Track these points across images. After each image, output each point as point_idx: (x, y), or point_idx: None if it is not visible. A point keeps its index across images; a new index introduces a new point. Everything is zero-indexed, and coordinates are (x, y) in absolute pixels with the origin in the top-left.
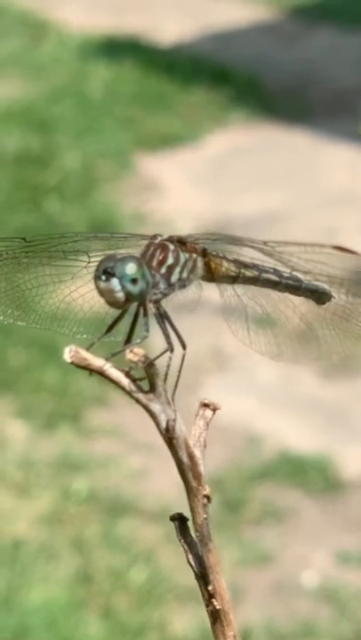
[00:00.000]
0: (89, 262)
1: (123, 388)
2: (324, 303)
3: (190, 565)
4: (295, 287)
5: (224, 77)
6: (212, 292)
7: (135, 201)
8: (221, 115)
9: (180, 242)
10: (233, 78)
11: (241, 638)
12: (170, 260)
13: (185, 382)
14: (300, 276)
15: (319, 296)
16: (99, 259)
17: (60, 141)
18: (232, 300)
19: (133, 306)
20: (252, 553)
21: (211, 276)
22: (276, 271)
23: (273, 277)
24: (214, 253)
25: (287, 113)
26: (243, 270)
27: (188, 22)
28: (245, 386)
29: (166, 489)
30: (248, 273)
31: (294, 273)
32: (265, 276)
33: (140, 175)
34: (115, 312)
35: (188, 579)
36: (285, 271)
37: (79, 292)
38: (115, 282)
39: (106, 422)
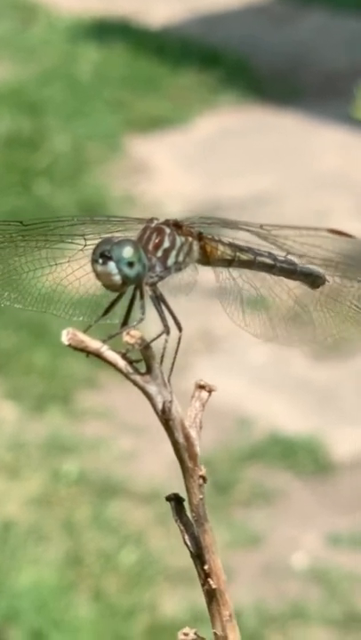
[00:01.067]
0: (85, 245)
1: (119, 370)
2: (318, 287)
3: (186, 545)
4: (290, 271)
5: (214, 60)
6: (202, 274)
7: (125, 183)
8: (211, 97)
9: (176, 225)
10: (223, 60)
11: None
12: (166, 244)
13: (176, 364)
14: (295, 259)
15: (313, 280)
16: (95, 242)
17: (49, 124)
18: (227, 283)
19: (130, 289)
20: (241, 534)
21: (206, 259)
22: (270, 255)
23: (268, 261)
24: (210, 237)
25: (277, 95)
26: (238, 254)
27: (177, 4)
28: (236, 367)
29: (156, 471)
30: (243, 256)
31: (289, 257)
32: (260, 259)
33: (129, 158)
34: (111, 295)
35: (179, 560)
36: (280, 255)
37: (75, 274)
38: (112, 265)
39: (96, 404)
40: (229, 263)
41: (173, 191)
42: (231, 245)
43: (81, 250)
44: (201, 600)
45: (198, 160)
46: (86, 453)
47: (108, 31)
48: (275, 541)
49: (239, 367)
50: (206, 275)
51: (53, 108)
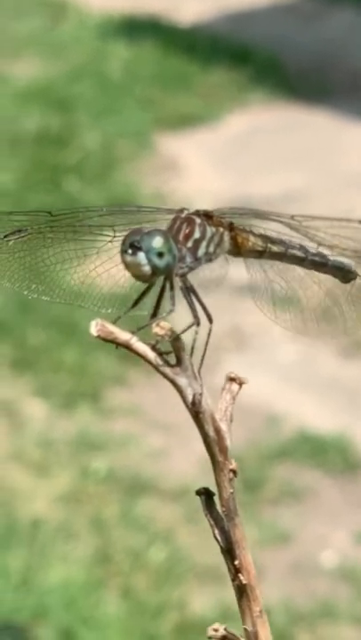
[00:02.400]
0: (114, 237)
1: (149, 362)
2: (349, 281)
3: (216, 540)
4: (321, 264)
5: (244, 57)
6: (231, 272)
7: (155, 181)
8: (241, 95)
9: (207, 216)
10: (253, 58)
11: None
12: (196, 234)
13: (205, 362)
14: (327, 252)
15: (345, 274)
16: (124, 233)
17: (79, 121)
18: (258, 276)
19: (160, 280)
20: (270, 533)
21: (237, 250)
22: (302, 247)
23: (299, 253)
24: (241, 227)
25: (307, 93)
26: (269, 245)
27: (207, 2)
28: (265, 365)
29: (185, 468)
30: (274, 248)
31: (320, 250)
32: (291, 251)
33: (159, 155)
34: (140, 286)
35: (207, 558)
36: (312, 248)
37: (104, 266)
38: (141, 255)
39: (125, 401)
40: (260, 255)
41: (203, 189)
42: (262, 237)
43: (110, 241)
44: (230, 597)
45: (228, 158)
46: (115, 451)
47: (138, 29)
48: (304, 539)
49: (268, 365)
50: (235, 272)
51: (83, 106)
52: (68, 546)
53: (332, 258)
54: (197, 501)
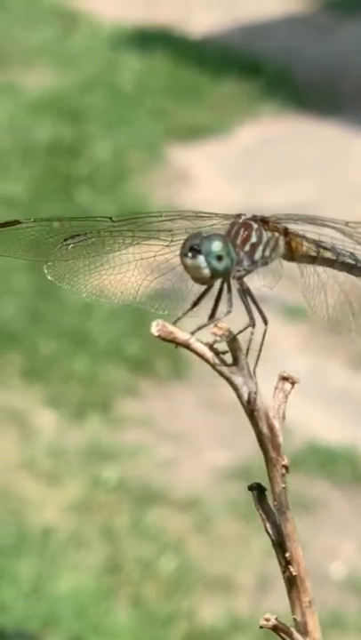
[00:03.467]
0: (171, 241)
1: (207, 361)
2: None
3: (268, 533)
4: None
5: (255, 69)
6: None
7: (166, 192)
8: (252, 106)
9: (263, 221)
10: (264, 70)
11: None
12: (253, 239)
13: (213, 371)
14: None
15: None
16: (181, 238)
17: (91, 132)
18: (311, 279)
19: (217, 282)
20: None
21: (291, 254)
22: (352, 255)
23: (349, 261)
24: (295, 233)
25: (318, 105)
26: (322, 251)
27: (219, 14)
28: (275, 376)
29: (196, 478)
30: (327, 254)
31: None
32: (342, 258)
33: (170, 166)
34: (197, 289)
35: (217, 568)
36: None
37: (161, 270)
38: (201, 259)
39: (135, 412)
40: (313, 260)
41: (214, 200)
42: (315, 243)
43: (167, 245)
44: (240, 607)
45: (239, 169)
46: (126, 461)
47: (150, 40)
48: (313, 550)
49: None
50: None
51: (95, 116)
52: (79, 555)
53: None
54: (207, 511)
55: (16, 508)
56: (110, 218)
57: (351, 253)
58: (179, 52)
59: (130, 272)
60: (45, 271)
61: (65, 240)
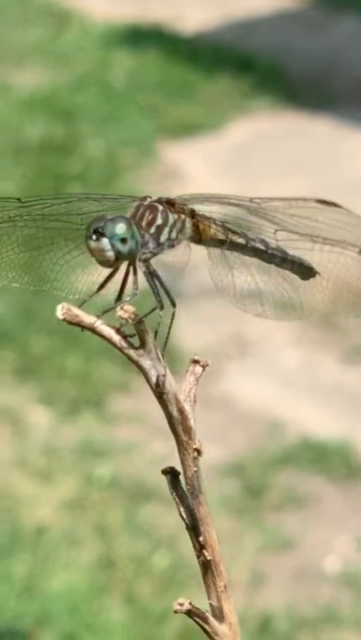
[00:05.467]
0: (81, 224)
1: (114, 344)
2: (308, 278)
3: (182, 517)
4: (281, 259)
5: (247, 65)
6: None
7: (158, 189)
8: (244, 103)
9: (169, 203)
10: (256, 66)
11: (263, 623)
12: (159, 221)
13: (207, 369)
14: (286, 242)
15: (304, 270)
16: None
17: (83, 129)
18: (220, 262)
19: (124, 265)
20: (273, 538)
21: (199, 237)
22: (262, 241)
23: (260, 246)
24: (202, 215)
25: (310, 101)
26: (230, 235)
27: (211, 10)
28: (267, 372)
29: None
30: (236, 238)
31: (280, 239)
32: (252, 244)
33: (162, 163)
34: (105, 272)
35: None
36: (272, 242)
37: (72, 253)
38: (105, 241)
39: (128, 409)
40: (221, 244)
41: None
42: (224, 226)
43: (76, 229)
44: (234, 603)
45: (231, 166)
46: (119, 458)
47: (142, 37)
48: (307, 545)
49: (271, 371)
50: (237, 280)
51: (87, 114)
52: (72, 552)
53: (291, 253)
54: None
55: (9, 505)
56: (19, 199)
57: (261, 239)
58: (171, 49)
59: (41, 256)
60: None
61: None
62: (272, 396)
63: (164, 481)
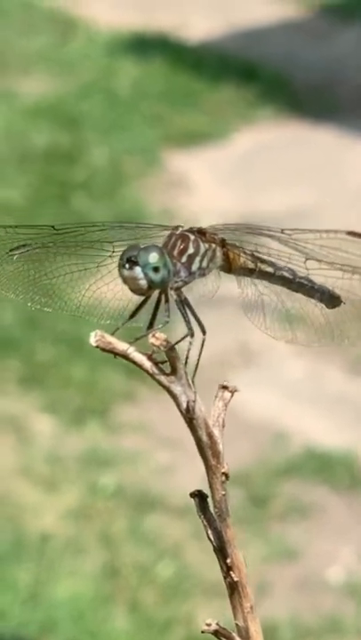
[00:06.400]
0: (113, 252)
1: (146, 371)
2: (334, 307)
3: (210, 540)
4: (308, 287)
5: (252, 75)
6: (236, 287)
7: (163, 198)
8: (249, 112)
9: (200, 232)
10: (261, 76)
11: (266, 633)
12: (190, 250)
13: (211, 378)
14: (316, 271)
15: (330, 299)
16: (122, 249)
17: (88, 138)
18: (249, 290)
19: (155, 293)
20: (277, 548)
21: (229, 266)
22: (290, 270)
23: (287, 275)
24: (232, 244)
25: (315, 110)
26: (259, 264)
27: (216, 20)
28: (271, 382)
29: (193, 485)
30: (264, 267)
31: (310, 268)
32: (280, 272)
33: (167, 172)
34: (137, 299)
35: (215, 574)
36: (301, 272)
37: (104, 280)
38: (138, 270)
39: (133, 418)
40: (251, 272)
41: (211, 206)
42: (253, 255)
43: (109, 256)
44: None
45: (236, 175)
46: (123, 467)
47: (147, 46)
48: (311, 555)
49: (275, 382)
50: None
51: (92, 122)
52: (77, 561)
53: (319, 282)
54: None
55: (14, 514)
56: (53, 226)
57: (289, 268)
58: (176, 57)
59: (73, 282)
60: None
61: (10, 250)
62: (276, 406)
63: (168, 490)
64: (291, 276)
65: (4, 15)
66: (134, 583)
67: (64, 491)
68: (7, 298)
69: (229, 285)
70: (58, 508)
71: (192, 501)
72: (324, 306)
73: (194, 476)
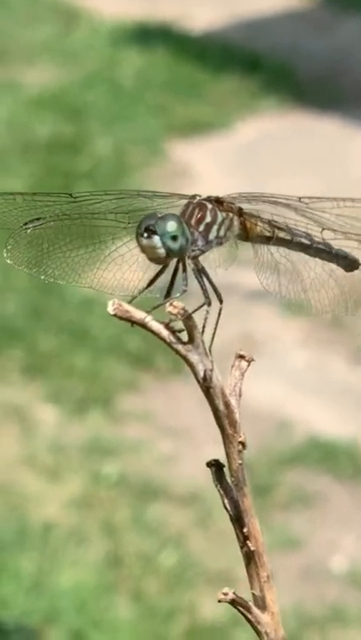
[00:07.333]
0: (128, 224)
1: (163, 339)
2: (352, 270)
3: (226, 509)
4: (325, 252)
5: (255, 65)
6: (240, 277)
7: (166, 188)
8: (252, 102)
9: (218, 201)
10: (264, 66)
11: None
12: (208, 219)
13: (215, 361)
14: (331, 242)
15: (348, 263)
16: (138, 220)
17: (91, 128)
18: (265, 257)
19: (173, 262)
20: (281, 537)
21: (246, 234)
22: (308, 235)
23: (305, 241)
24: (249, 213)
25: (318, 100)
26: (276, 231)
27: (219, 10)
28: (275, 371)
29: (196, 473)
30: (281, 235)
31: (325, 237)
32: (297, 239)
33: (171, 162)
34: (153, 270)
35: (218, 563)
36: (317, 236)
37: (119, 251)
38: (156, 239)
39: (136, 407)
40: (268, 240)
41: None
42: (270, 223)
43: (124, 227)
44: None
45: (239, 165)
46: (126, 456)
47: (150, 36)
48: (314, 544)
49: (279, 371)
50: (246, 279)
51: (95, 113)
52: (80, 550)
53: (336, 247)
54: (208, 506)
55: (17, 503)
56: (70, 194)
57: (307, 234)
58: (179, 47)
59: (88, 254)
60: (5, 255)
61: (25, 224)
62: (280, 396)
63: (171, 479)
64: (308, 242)
65: (7, 6)
66: (137, 572)
67: (67, 480)
68: (10, 287)
69: (234, 276)
70: (61, 498)
71: (195, 490)
72: (339, 275)
73: (197, 464)
